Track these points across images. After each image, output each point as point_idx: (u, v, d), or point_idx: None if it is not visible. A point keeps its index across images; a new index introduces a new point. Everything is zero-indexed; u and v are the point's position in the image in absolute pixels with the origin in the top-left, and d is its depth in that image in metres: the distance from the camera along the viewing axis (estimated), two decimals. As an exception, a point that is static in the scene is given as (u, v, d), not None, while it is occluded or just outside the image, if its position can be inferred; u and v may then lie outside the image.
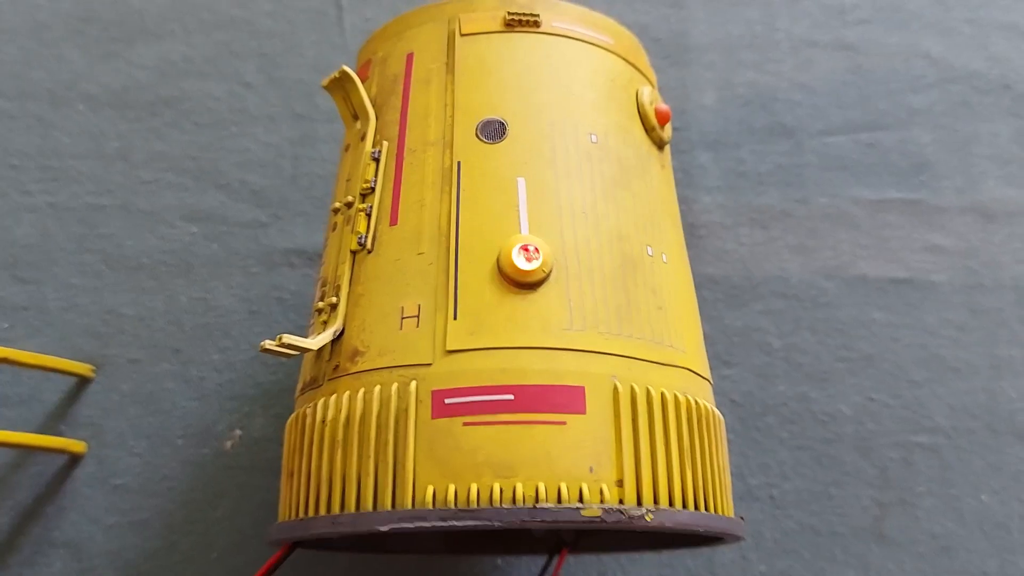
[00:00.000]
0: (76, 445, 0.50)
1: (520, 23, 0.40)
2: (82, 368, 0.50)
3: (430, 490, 0.32)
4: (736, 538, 0.38)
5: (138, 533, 0.49)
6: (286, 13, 0.56)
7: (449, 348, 0.34)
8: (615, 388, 0.34)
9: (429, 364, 0.34)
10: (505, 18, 0.40)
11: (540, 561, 0.49)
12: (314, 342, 0.36)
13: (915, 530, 0.51)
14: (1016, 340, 0.53)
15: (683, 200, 0.54)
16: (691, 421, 0.35)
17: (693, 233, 0.54)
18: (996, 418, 0.52)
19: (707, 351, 0.53)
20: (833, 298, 0.54)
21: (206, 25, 0.55)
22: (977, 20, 0.59)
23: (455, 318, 0.35)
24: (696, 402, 0.36)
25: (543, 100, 0.39)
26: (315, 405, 0.36)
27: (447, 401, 0.33)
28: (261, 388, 0.51)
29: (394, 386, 0.34)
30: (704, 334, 0.53)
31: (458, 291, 0.35)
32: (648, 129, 0.41)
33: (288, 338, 0.35)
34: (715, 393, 0.52)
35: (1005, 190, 0.56)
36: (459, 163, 0.37)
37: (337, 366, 0.36)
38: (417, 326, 0.35)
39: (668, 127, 0.42)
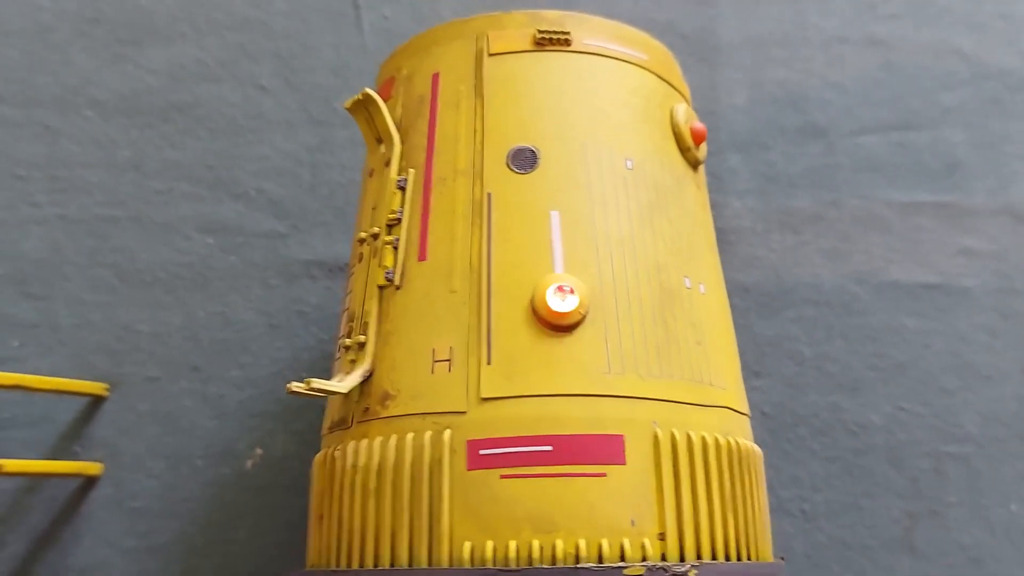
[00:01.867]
0: (91, 467, 0.45)
1: (550, 41, 0.36)
2: (96, 388, 0.46)
3: (467, 547, 0.29)
4: None
5: (157, 557, 0.45)
6: (302, 13, 0.50)
7: (484, 396, 0.31)
8: (656, 436, 0.31)
9: (463, 412, 0.31)
10: (535, 36, 0.36)
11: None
12: (343, 385, 0.33)
13: (945, 541, 0.47)
14: (1049, 346, 0.49)
15: (713, 205, 0.49)
16: (732, 464, 0.32)
17: (724, 239, 0.49)
18: (1028, 425, 0.48)
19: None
20: (865, 304, 0.49)
21: (219, 26, 0.50)
22: (1010, 15, 0.54)
23: (489, 363, 0.31)
24: (737, 443, 0.33)
25: (576, 125, 0.35)
26: (344, 449, 0.33)
27: (483, 452, 0.30)
28: (282, 405, 0.47)
29: (427, 434, 0.31)
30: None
31: (491, 334, 0.31)
32: (683, 150, 0.37)
33: (316, 382, 0.31)
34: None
35: (1038, 190, 0.51)
36: (490, 195, 0.33)
37: (367, 408, 0.33)
38: (449, 370, 0.31)
39: (703, 146, 0.38)
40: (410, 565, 0.29)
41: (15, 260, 0.47)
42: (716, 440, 0.32)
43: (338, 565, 0.31)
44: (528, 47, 0.36)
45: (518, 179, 0.34)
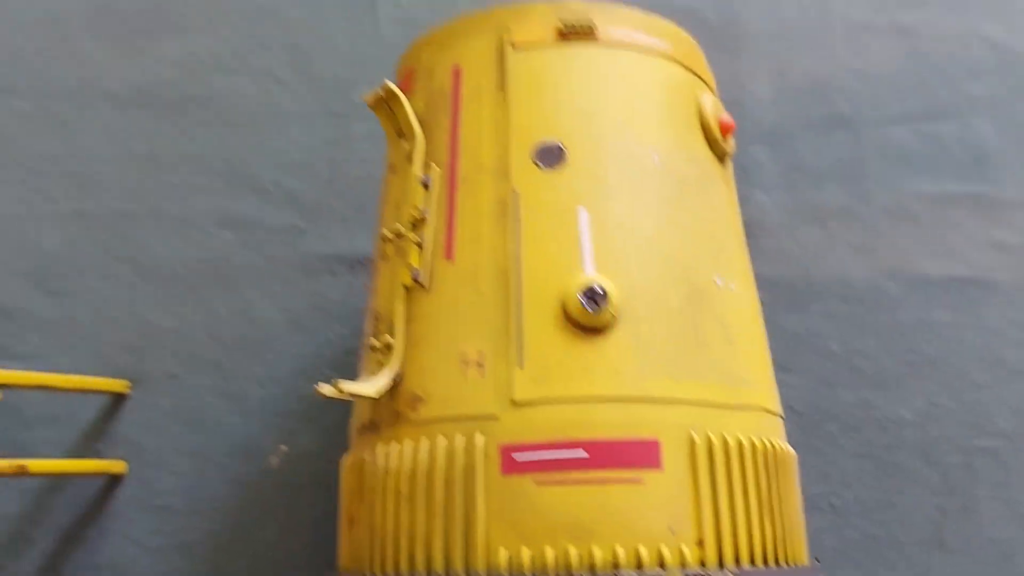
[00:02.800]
0: (115, 466, 0.46)
1: (574, 34, 0.35)
2: (118, 385, 0.46)
3: (504, 554, 0.29)
4: None
5: (184, 556, 0.45)
6: (316, 2, 0.49)
7: (516, 399, 0.31)
8: (692, 440, 0.31)
9: (495, 416, 0.31)
10: (559, 28, 0.35)
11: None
12: (373, 388, 0.33)
13: (976, 536, 0.47)
14: (1081, 339, 0.48)
15: (739, 198, 0.48)
16: (768, 467, 0.32)
17: (749, 232, 0.48)
18: (1059, 420, 0.48)
19: (765, 357, 0.48)
20: (895, 300, 0.49)
21: (232, 16, 0.49)
22: (1041, -1, 0.53)
23: (520, 366, 0.31)
24: (772, 444, 0.33)
25: (602, 120, 0.34)
26: (375, 452, 0.33)
27: (517, 457, 0.30)
28: (306, 402, 0.47)
29: (459, 439, 0.31)
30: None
31: (522, 336, 0.31)
32: (711, 142, 0.37)
33: (346, 385, 0.31)
34: (774, 401, 0.47)
35: (1070, 180, 0.50)
36: (516, 192, 0.33)
37: (397, 412, 0.33)
38: (481, 374, 0.31)
39: (731, 139, 0.38)
40: (446, 571, 0.30)
41: (33, 256, 0.47)
42: (752, 443, 0.32)
43: (372, 570, 0.32)
44: (552, 40, 0.35)
45: (545, 176, 0.33)
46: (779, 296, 0.49)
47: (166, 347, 0.47)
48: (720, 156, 0.37)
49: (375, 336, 0.35)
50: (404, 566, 0.31)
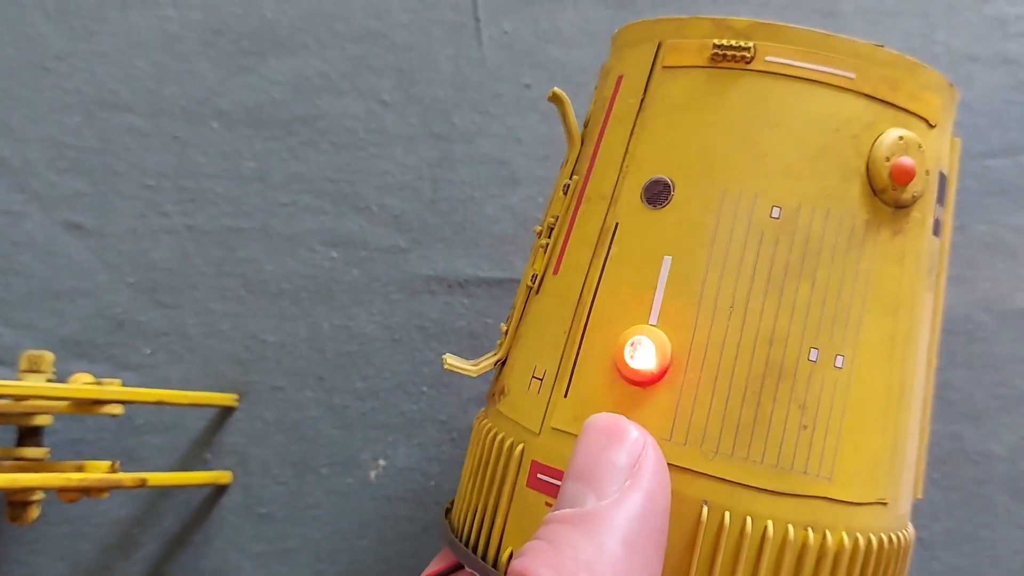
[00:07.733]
0: (222, 476, 0.51)
1: (726, 58, 0.33)
2: (227, 399, 0.51)
3: (506, 555, 0.34)
4: None
5: (285, 562, 0.50)
6: (422, 25, 0.54)
7: (553, 426, 0.34)
8: (700, 515, 0.31)
9: (537, 433, 0.35)
10: (711, 50, 0.33)
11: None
12: (475, 368, 0.38)
13: (1066, 573, 0.50)
14: None
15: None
16: (803, 560, 0.31)
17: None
18: None
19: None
20: (990, 332, 0.52)
21: (340, 38, 0.54)
22: None
23: (565, 396, 0.34)
24: (826, 535, 0.31)
25: (721, 161, 0.33)
26: (479, 421, 0.39)
27: (539, 476, 0.34)
28: (404, 417, 0.52)
29: (509, 442, 0.35)
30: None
31: (575, 369, 0.34)
32: (877, 191, 0.33)
33: (451, 359, 0.38)
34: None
35: None
36: (616, 225, 0.34)
37: (494, 395, 0.38)
38: (538, 392, 0.35)
39: (912, 186, 0.34)
40: (473, 550, 0.35)
41: (146, 268, 0.52)
42: (786, 532, 0.31)
43: (450, 518, 0.39)
44: (702, 62, 0.34)
45: (645, 214, 0.34)
46: (873, 327, 0.52)
47: (271, 360, 0.52)
48: (892, 203, 0.34)
49: (506, 322, 0.39)
50: (456, 525, 0.37)
